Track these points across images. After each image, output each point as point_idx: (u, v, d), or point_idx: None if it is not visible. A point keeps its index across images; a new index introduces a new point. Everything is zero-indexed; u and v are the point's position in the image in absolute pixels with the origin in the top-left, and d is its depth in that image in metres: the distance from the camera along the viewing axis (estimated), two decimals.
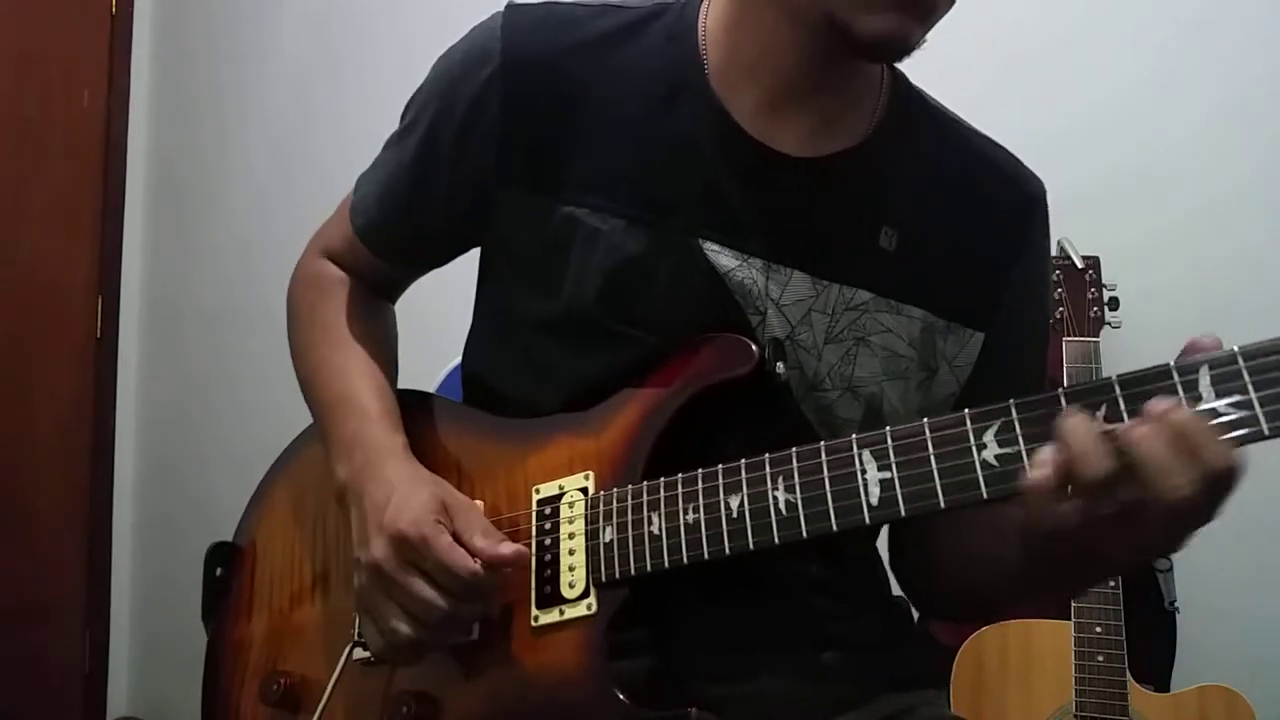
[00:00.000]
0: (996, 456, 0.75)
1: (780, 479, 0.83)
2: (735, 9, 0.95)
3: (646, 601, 0.90)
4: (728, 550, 0.84)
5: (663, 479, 0.88)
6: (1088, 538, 0.71)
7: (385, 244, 1.09)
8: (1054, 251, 1.80)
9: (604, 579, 0.89)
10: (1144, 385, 0.71)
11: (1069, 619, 1.69)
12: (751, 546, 0.83)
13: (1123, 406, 0.71)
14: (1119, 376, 0.72)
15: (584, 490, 0.92)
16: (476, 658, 0.93)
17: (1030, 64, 2.12)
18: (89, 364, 3.01)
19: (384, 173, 1.07)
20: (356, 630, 1.00)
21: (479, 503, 0.96)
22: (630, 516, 0.89)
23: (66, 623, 2.94)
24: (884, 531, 1.03)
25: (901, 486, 0.78)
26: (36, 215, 2.91)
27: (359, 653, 0.99)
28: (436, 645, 0.93)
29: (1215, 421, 0.68)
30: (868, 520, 0.79)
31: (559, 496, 0.94)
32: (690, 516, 0.86)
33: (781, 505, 0.82)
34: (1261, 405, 0.68)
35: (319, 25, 2.89)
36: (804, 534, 0.81)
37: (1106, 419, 0.71)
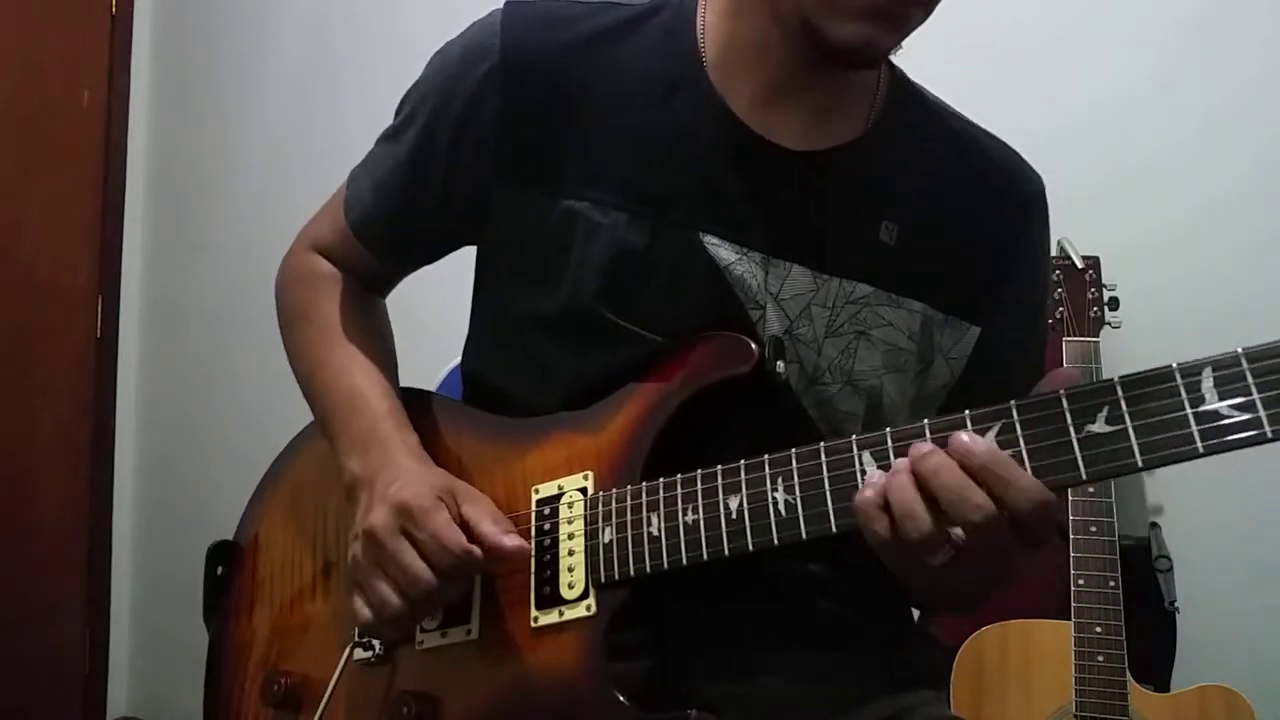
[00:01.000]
0: None
1: (779, 480, 0.83)
2: (731, 4, 0.96)
3: (646, 602, 0.90)
4: (727, 551, 0.84)
5: (662, 480, 0.88)
6: (902, 555, 0.76)
7: (379, 239, 1.09)
8: (1054, 251, 1.81)
9: (603, 580, 0.89)
10: (1146, 386, 0.71)
11: (1069, 619, 1.69)
12: (751, 547, 0.83)
13: (1124, 408, 0.71)
14: (1121, 378, 0.72)
15: (583, 490, 0.92)
16: (476, 658, 0.93)
17: (1030, 63, 2.12)
18: (89, 364, 3.01)
19: (379, 167, 1.07)
20: (357, 630, 1.00)
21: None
22: (629, 517, 0.89)
23: (66, 623, 2.94)
24: None
25: None
26: (36, 215, 2.91)
27: (360, 653, 0.99)
28: (412, 623, 0.93)
29: (1219, 423, 0.68)
30: None
31: (558, 497, 0.94)
32: (689, 517, 0.86)
33: (781, 506, 0.82)
34: (1265, 407, 0.67)
35: (319, 25, 2.89)
36: (803, 535, 0.81)
37: (1107, 421, 0.71)
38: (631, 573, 0.87)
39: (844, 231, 0.97)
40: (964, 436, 0.74)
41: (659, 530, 0.87)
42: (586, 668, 0.87)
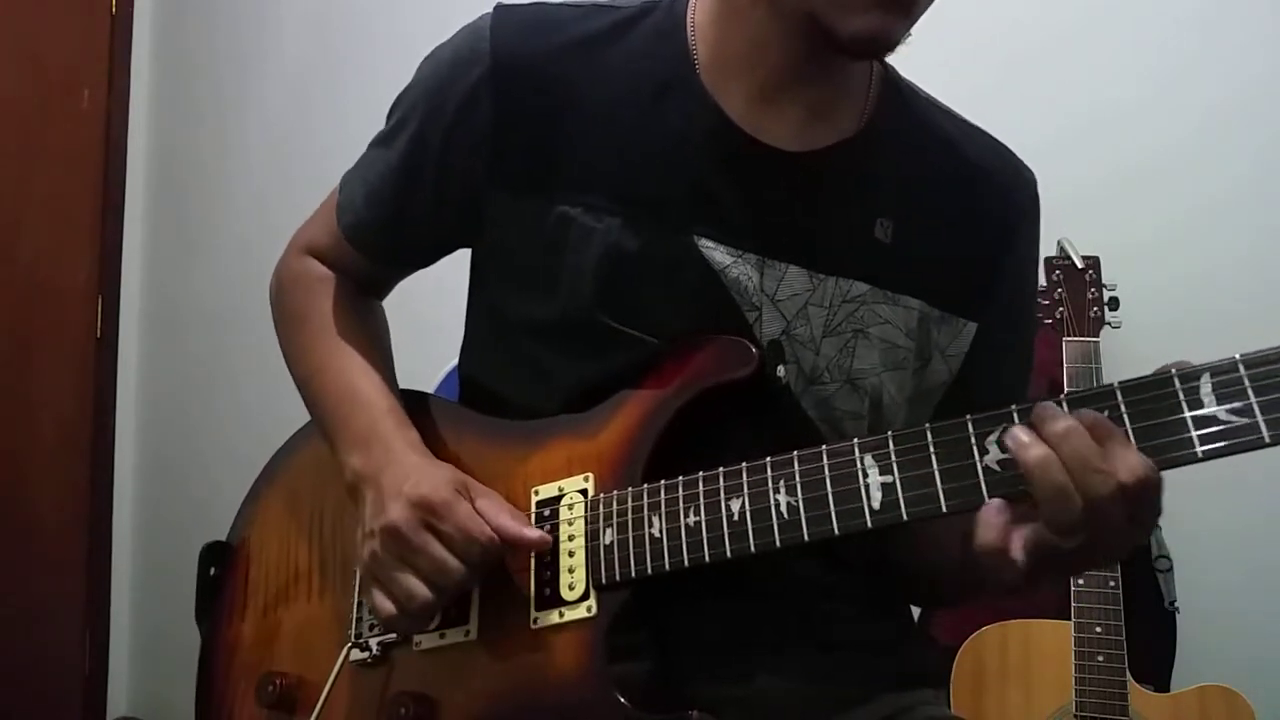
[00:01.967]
0: (999, 462, 0.75)
1: (782, 482, 0.83)
2: (725, 5, 0.95)
3: (646, 603, 0.89)
4: (729, 553, 0.84)
5: (663, 481, 0.88)
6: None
7: (372, 244, 1.09)
8: (1054, 251, 1.81)
9: (604, 581, 0.89)
10: (1146, 392, 0.71)
11: (1069, 619, 1.69)
12: (753, 549, 0.83)
13: (1124, 412, 0.71)
14: (1120, 383, 0.72)
15: (584, 492, 0.92)
16: (475, 659, 0.93)
17: (1030, 64, 2.12)
18: (89, 364, 3.01)
19: (371, 173, 1.06)
20: (354, 631, 1.00)
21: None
22: (631, 518, 0.89)
23: (66, 623, 2.94)
24: None
25: (903, 490, 0.78)
26: (36, 215, 2.91)
27: (356, 654, 0.99)
28: (433, 617, 0.94)
29: (1217, 428, 0.68)
30: (870, 524, 0.79)
31: (558, 498, 0.93)
32: (691, 519, 0.86)
33: (783, 508, 0.82)
34: (1263, 413, 0.67)
35: (319, 25, 2.89)
36: (805, 537, 0.81)
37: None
38: (633, 574, 0.87)
39: (839, 230, 0.97)
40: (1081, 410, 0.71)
41: (661, 532, 0.87)
42: (587, 669, 0.87)
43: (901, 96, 1.02)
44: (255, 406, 2.49)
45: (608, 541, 0.89)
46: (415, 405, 1.05)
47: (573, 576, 0.90)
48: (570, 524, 0.92)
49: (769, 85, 0.95)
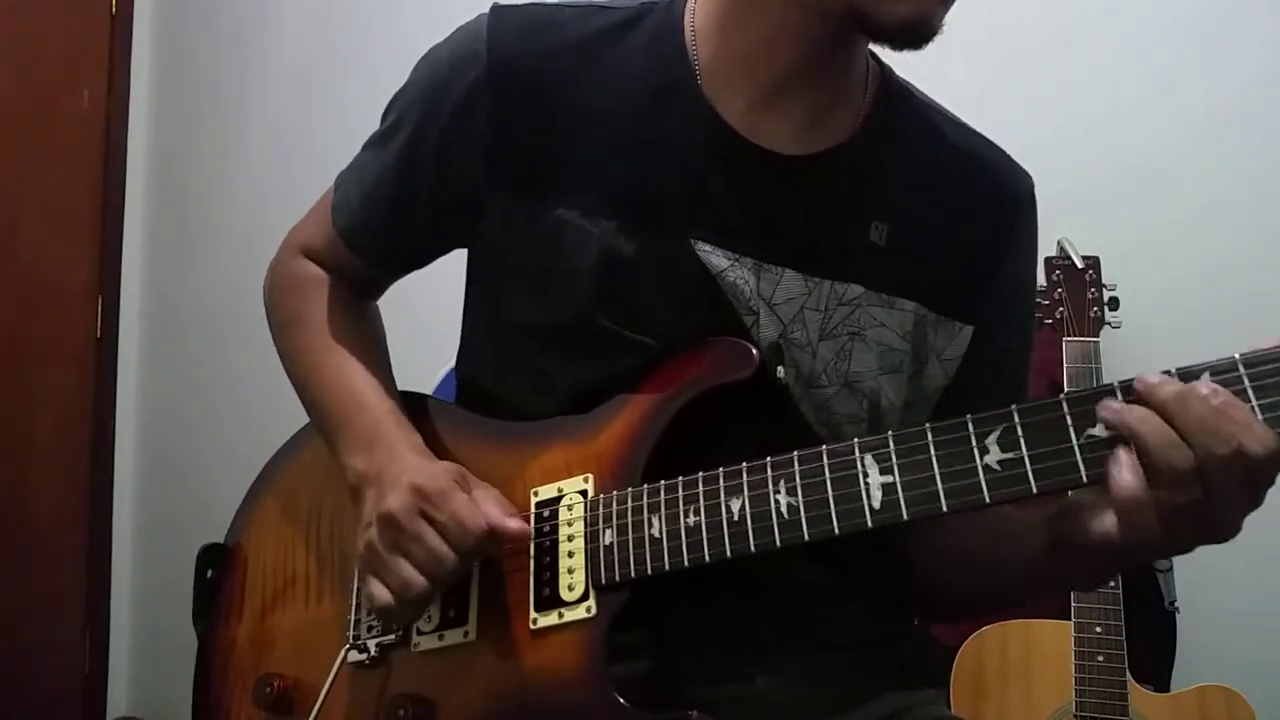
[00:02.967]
0: (999, 461, 0.75)
1: (782, 482, 0.83)
2: (727, 8, 0.95)
3: (646, 604, 0.89)
4: (729, 553, 0.84)
5: (663, 482, 0.88)
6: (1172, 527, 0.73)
7: (367, 246, 1.08)
8: (1054, 251, 1.81)
9: (604, 581, 0.88)
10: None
11: (1069, 619, 1.69)
12: (753, 549, 0.83)
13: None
14: (1121, 383, 0.72)
15: (583, 493, 0.92)
16: (474, 660, 0.93)
17: (1030, 64, 2.12)
18: (89, 364, 3.01)
19: (366, 174, 1.06)
20: (352, 632, 1.00)
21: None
22: (630, 519, 0.89)
23: (66, 623, 2.94)
24: None
25: (904, 490, 0.78)
26: (36, 215, 2.91)
27: (354, 655, 0.99)
28: (426, 607, 0.94)
29: None
30: (870, 524, 0.79)
31: (558, 499, 0.93)
32: (691, 519, 0.86)
33: (784, 508, 0.82)
34: (1262, 413, 0.68)
35: (319, 25, 2.89)
36: (806, 537, 0.81)
37: (1107, 425, 0.71)
38: (633, 574, 0.87)
39: (834, 234, 0.96)
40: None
41: (660, 532, 0.87)
42: (586, 669, 0.87)
43: (899, 98, 1.01)
44: (255, 406, 2.49)
45: (607, 542, 0.89)
46: (414, 407, 1.05)
47: (572, 577, 0.90)
48: (570, 525, 0.92)
49: (771, 88, 0.94)
